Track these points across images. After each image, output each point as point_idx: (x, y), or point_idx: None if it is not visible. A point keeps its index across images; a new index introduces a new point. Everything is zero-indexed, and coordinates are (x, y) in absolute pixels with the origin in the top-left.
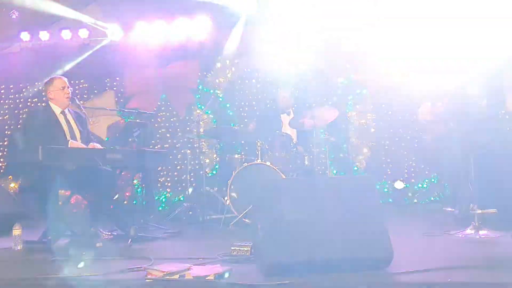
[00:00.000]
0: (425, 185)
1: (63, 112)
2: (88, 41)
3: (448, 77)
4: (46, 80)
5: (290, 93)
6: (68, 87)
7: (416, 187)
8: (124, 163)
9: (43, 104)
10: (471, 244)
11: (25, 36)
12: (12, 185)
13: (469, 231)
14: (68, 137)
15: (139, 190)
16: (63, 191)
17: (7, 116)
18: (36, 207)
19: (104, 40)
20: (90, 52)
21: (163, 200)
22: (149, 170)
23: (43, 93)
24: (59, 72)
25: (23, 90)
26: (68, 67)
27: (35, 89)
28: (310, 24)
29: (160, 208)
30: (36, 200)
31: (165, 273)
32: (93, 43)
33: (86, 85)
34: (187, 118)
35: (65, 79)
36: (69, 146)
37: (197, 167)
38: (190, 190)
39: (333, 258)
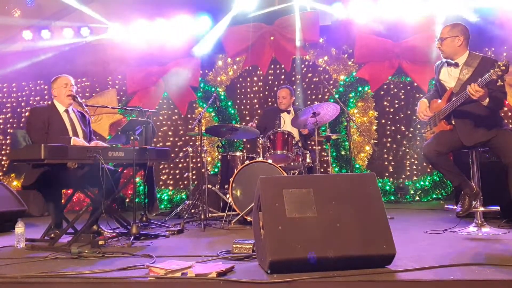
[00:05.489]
0: (427, 183)
1: (66, 111)
2: (90, 40)
3: None
4: (52, 79)
5: (291, 91)
6: (71, 85)
7: (418, 184)
8: (126, 161)
9: (47, 102)
10: (473, 241)
11: (27, 34)
12: (15, 183)
13: (471, 228)
14: (71, 136)
15: (141, 188)
16: (65, 189)
17: (9, 115)
18: (39, 205)
19: (106, 38)
20: (91, 50)
21: (165, 198)
22: (151, 168)
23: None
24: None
25: (25, 88)
26: (69, 65)
27: (37, 88)
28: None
29: (162, 206)
30: (39, 198)
31: (167, 271)
32: (95, 41)
33: (88, 83)
34: (188, 116)
35: (70, 78)
36: (71, 142)
37: (198, 165)
38: (192, 188)
39: (335, 256)
